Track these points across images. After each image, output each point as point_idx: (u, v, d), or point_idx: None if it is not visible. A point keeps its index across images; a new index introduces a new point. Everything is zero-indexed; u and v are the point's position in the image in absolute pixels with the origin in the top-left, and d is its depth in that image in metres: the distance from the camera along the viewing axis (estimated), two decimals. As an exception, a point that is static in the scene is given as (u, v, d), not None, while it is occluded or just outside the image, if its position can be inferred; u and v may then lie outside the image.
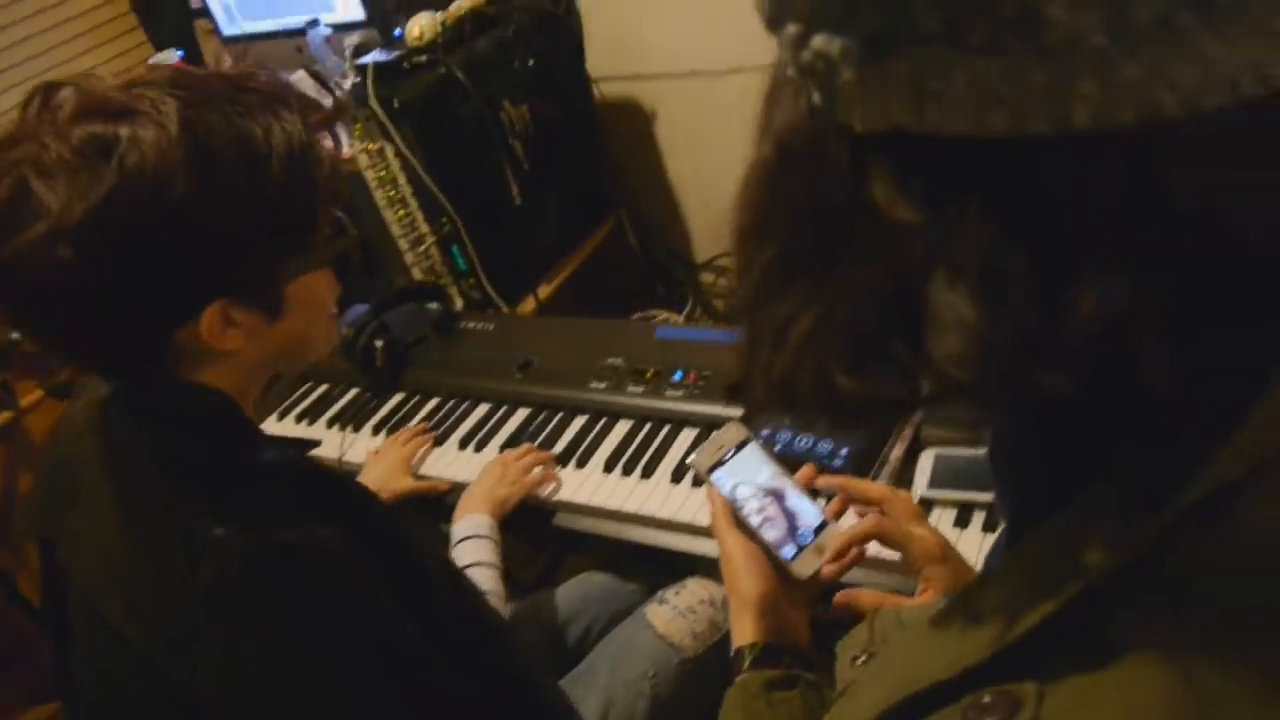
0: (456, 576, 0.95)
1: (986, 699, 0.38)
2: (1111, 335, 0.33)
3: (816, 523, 0.87)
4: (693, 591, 1.24)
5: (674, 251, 2.69)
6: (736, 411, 1.30)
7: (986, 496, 1.10)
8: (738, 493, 0.89)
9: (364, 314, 1.67)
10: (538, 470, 1.34)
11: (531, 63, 2.14)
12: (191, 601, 0.72)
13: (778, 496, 0.89)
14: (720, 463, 0.92)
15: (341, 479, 0.84)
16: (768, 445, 0.95)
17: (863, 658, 0.71)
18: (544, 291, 2.21)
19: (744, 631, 0.81)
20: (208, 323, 0.77)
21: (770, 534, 0.86)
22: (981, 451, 1.17)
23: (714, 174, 2.51)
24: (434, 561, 0.90)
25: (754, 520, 0.87)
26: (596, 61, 2.36)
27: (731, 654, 0.81)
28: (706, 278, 2.67)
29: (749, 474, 0.91)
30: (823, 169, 0.38)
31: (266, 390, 1.69)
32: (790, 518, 0.88)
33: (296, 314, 0.83)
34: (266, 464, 0.81)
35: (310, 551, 0.74)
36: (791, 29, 0.37)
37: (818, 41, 0.35)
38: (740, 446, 0.93)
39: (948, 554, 0.84)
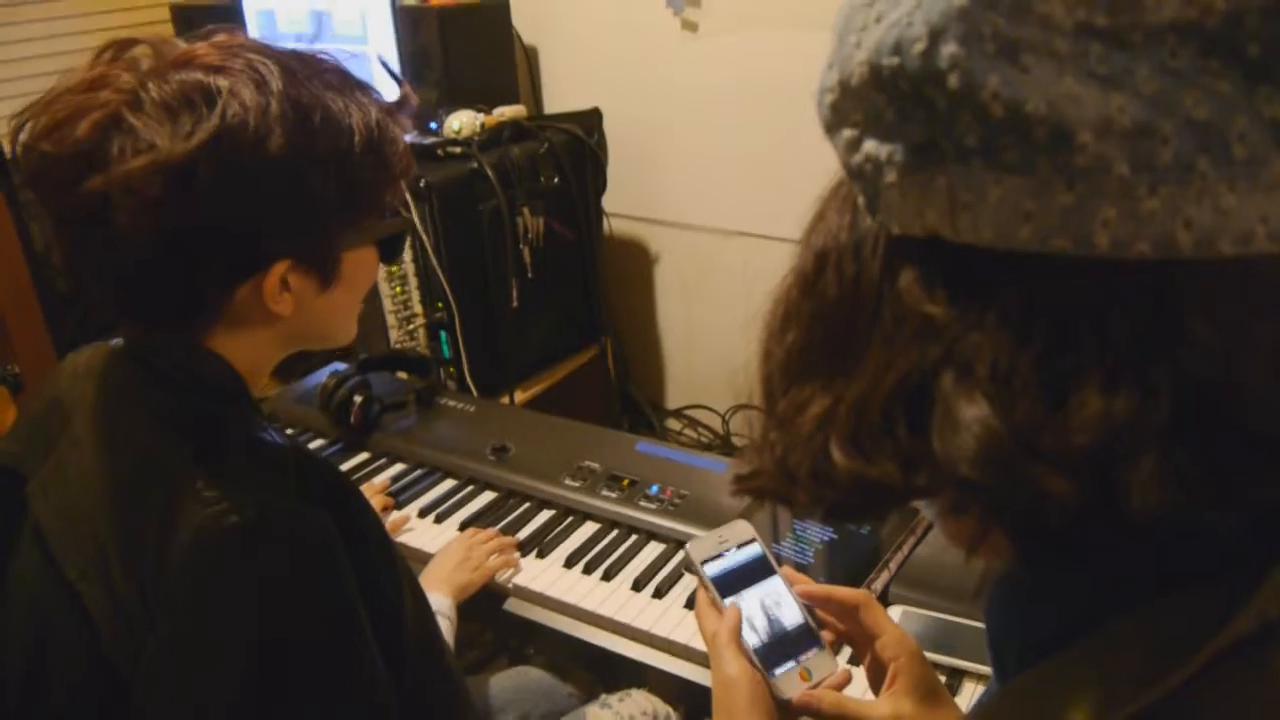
0: (425, 604, 0.91)
1: None
2: (1111, 444, 0.35)
3: (810, 645, 0.83)
4: (636, 702, 1.19)
5: (648, 392, 2.71)
6: (707, 531, 1.30)
7: (951, 661, 1.10)
8: (728, 600, 0.84)
9: (349, 369, 1.65)
10: (500, 557, 1.31)
11: (556, 181, 2.22)
12: (165, 563, 0.69)
13: (773, 605, 0.85)
14: (718, 557, 0.87)
15: (334, 470, 0.81)
16: (771, 551, 0.91)
17: None
18: (519, 397, 2.20)
19: None
20: (271, 283, 0.77)
21: (755, 643, 0.81)
22: (949, 618, 1.18)
23: (703, 326, 2.58)
24: (409, 582, 0.86)
25: (746, 634, 0.81)
26: (614, 197, 2.45)
27: None
28: (674, 424, 2.69)
29: (746, 576, 0.86)
30: (856, 266, 0.42)
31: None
32: (782, 632, 0.83)
33: (343, 289, 0.84)
34: (264, 441, 0.79)
35: (298, 531, 0.71)
36: (847, 133, 0.41)
37: (868, 146, 0.40)
38: (742, 546, 0.89)
39: (918, 653, 0.83)
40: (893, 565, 1.23)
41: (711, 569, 0.86)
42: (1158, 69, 0.33)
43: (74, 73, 0.73)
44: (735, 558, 0.88)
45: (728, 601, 0.83)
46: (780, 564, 0.90)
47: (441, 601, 1.18)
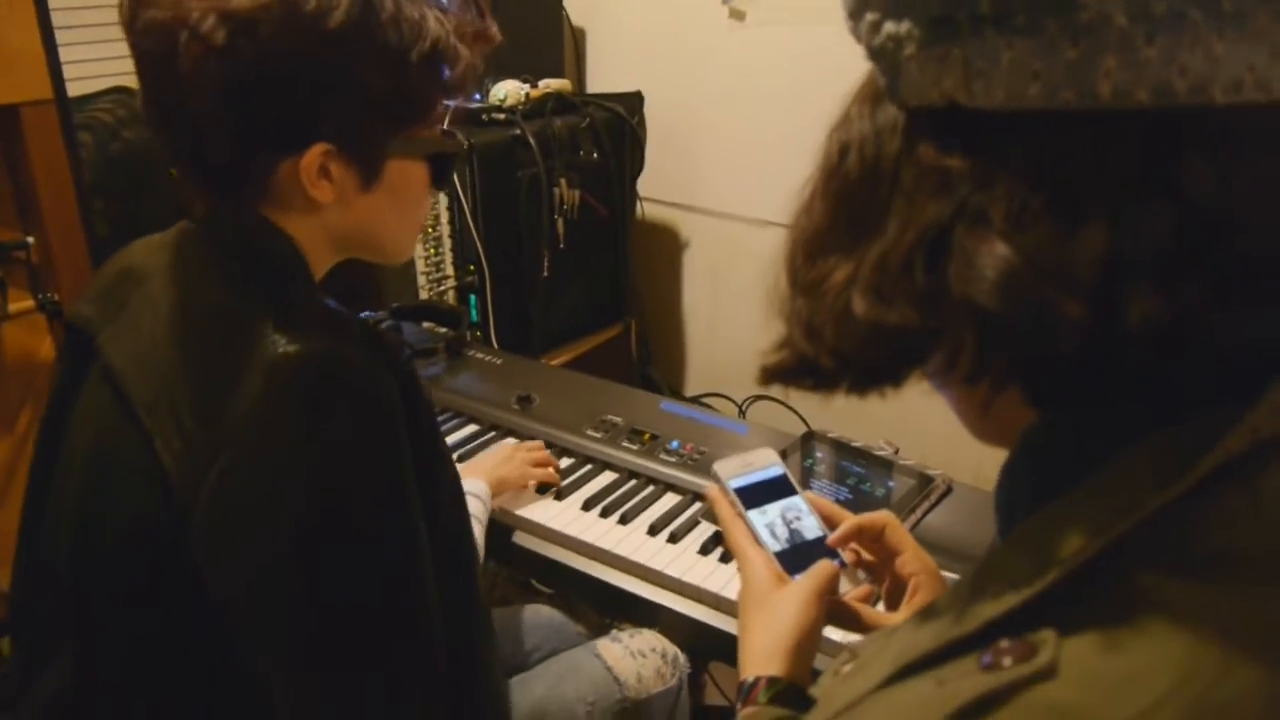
0: (458, 483, 0.93)
1: (1004, 644, 0.40)
2: (1116, 269, 0.38)
3: (830, 559, 0.83)
4: (646, 640, 1.21)
5: (668, 377, 2.74)
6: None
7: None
8: (751, 511, 0.86)
9: (382, 314, 1.68)
10: (544, 470, 1.35)
11: (595, 156, 2.25)
12: (235, 399, 0.72)
13: (793, 519, 0.87)
14: (743, 476, 0.90)
15: (398, 342, 0.84)
16: (797, 478, 0.93)
17: (848, 667, 0.71)
18: (547, 364, 2.23)
19: (769, 658, 0.74)
20: (309, 161, 0.80)
21: (776, 549, 0.82)
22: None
23: (728, 315, 2.60)
24: (446, 458, 0.89)
25: (762, 538, 0.84)
26: (649, 181, 2.48)
27: (742, 676, 0.74)
28: (691, 411, 2.71)
29: (769, 493, 0.88)
30: (877, 147, 0.45)
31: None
32: (802, 542, 0.85)
33: (386, 195, 0.86)
34: (330, 305, 0.83)
35: (364, 374, 0.74)
36: (869, 17, 0.44)
37: (888, 27, 0.43)
38: (766, 469, 0.91)
39: (936, 571, 0.84)
40: (906, 527, 1.24)
41: (736, 483, 0.89)
42: None
43: None
44: (759, 476, 0.91)
45: (750, 513, 0.86)
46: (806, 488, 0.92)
47: (476, 484, 1.22)
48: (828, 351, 0.47)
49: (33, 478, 0.93)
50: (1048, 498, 0.44)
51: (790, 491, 0.90)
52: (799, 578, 0.79)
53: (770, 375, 0.51)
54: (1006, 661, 0.39)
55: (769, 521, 0.86)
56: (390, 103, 0.82)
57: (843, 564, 0.84)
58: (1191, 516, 0.39)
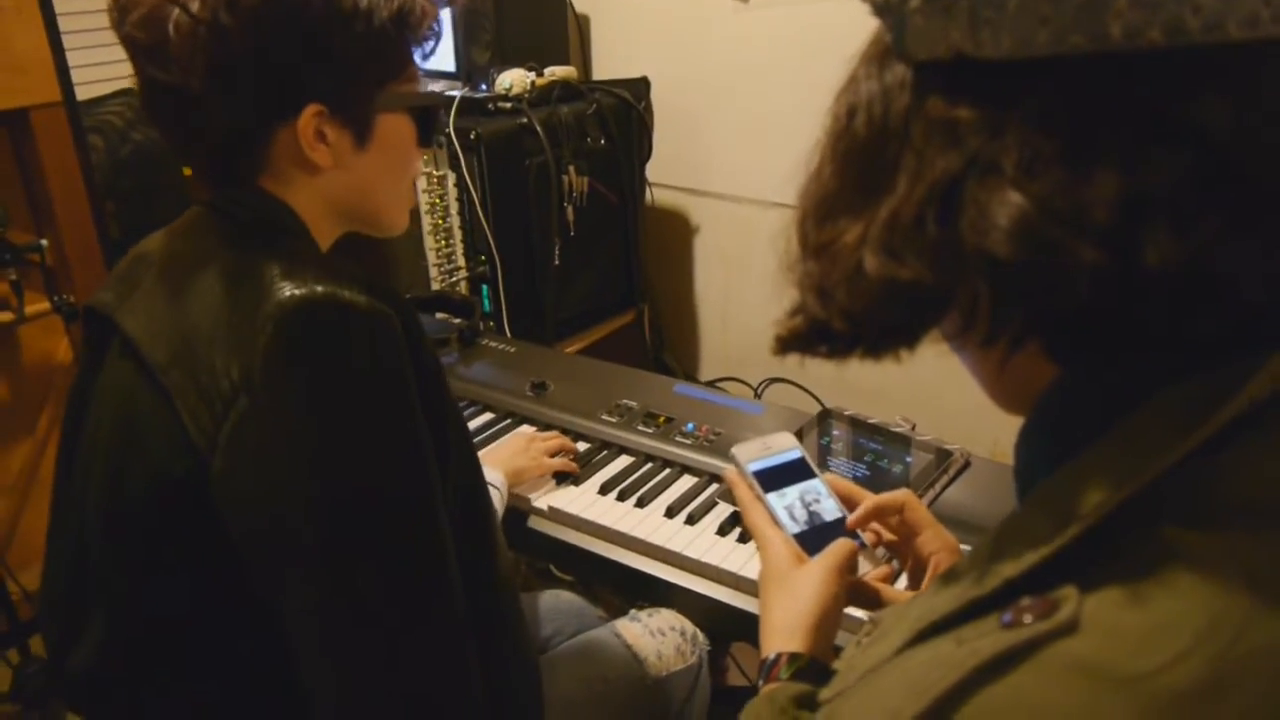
0: (471, 445, 0.95)
1: (1025, 602, 0.39)
2: (1131, 210, 0.38)
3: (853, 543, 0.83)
4: (665, 619, 1.21)
5: (683, 362, 2.73)
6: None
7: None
8: (769, 494, 0.87)
9: (395, 304, 1.68)
10: (561, 459, 1.35)
11: (603, 142, 2.24)
12: (246, 344, 0.75)
13: (812, 501, 0.87)
14: (761, 459, 0.90)
15: (407, 301, 0.86)
16: (815, 459, 0.93)
17: (869, 637, 0.70)
18: (561, 351, 2.23)
19: (790, 635, 0.74)
20: (304, 124, 0.85)
21: (795, 530, 0.83)
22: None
23: (740, 298, 2.59)
24: (453, 404, 0.90)
25: (781, 520, 0.84)
26: (658, 167, 2.48)
27: (764, 652, 0.74)
28: (706, 396, 2.71)
29: (788, 476, 0.89)
30: (885, 105, 0.45)
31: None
32: (821, 524, 0.85)
33: (378, 154, 0.91)
34: (336, 260, 0.86)
35: (371, 315, 0.77)
36: None
37: None
38: (784, 452, 0.92)
39: (957, 549, 0.84)
40: (925, 500, 1.24)
41: (754, 466, 0.89)
42: None
43: None
44: (777, 459, 0.91)
45: (769, 496, 0.86)
46: (824, 471, 0.92)
47: (494, 474, 1.23)
48: (840, 314, 0.46)
49: (60, 464, 0.95)
50: (1068, 458, 0.44)
51: (809, 474, 0.90)
52: (817, 557, 0.79)
53: (785, 344, 0.51)
54: (1027, 619, 0.38)
55: (788, 504, 0.86)
56: (369, 59, 0.87)
57: (862, 544, 0.84)
58: (1215, 466, 0.39)
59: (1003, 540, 0.44)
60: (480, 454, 1.29)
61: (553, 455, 1.35)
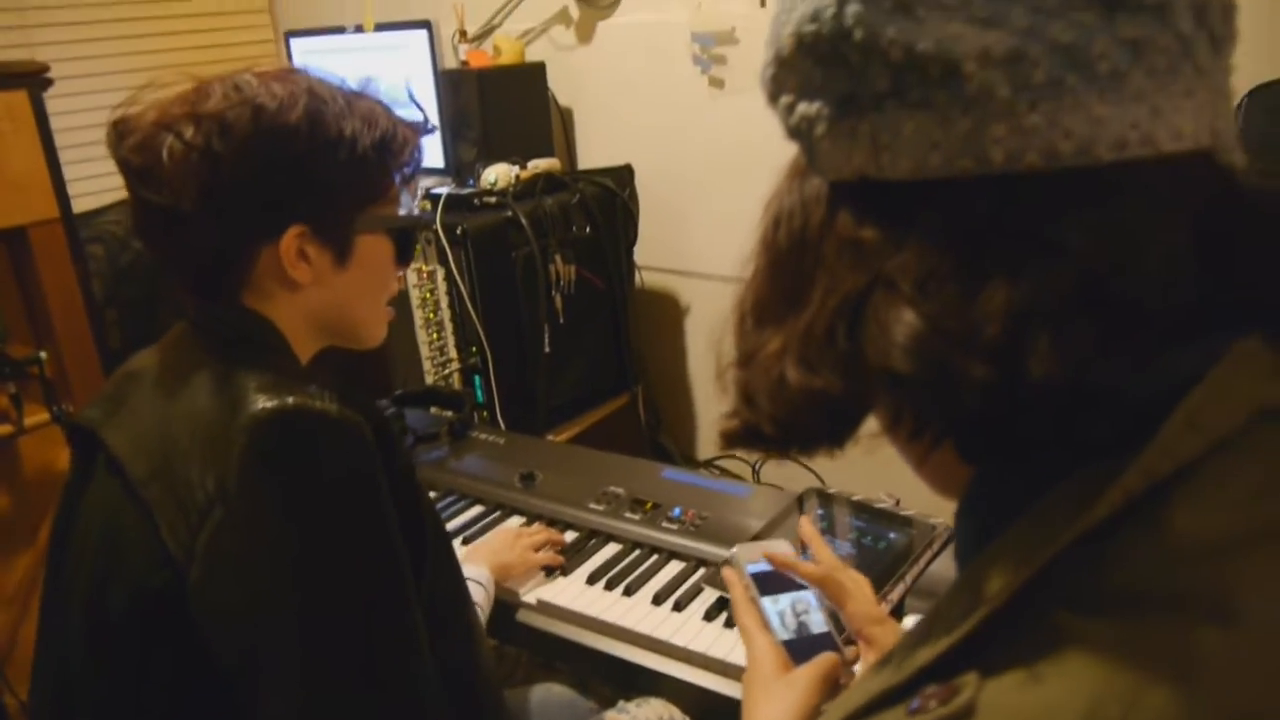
0: (447, 546, 0.96)
1: (930, 689, 0.41)
2: (1017, 327, 0.40)
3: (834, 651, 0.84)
4: (654, 708, 1.20)
5: (680, 442, 2.74)
6: (727, 551, 1.32)
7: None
8: (764, 598, 0.89)
9: (385, 402, 1.71)
10: (546, 553, 1.36)
11: (588, 230, 2.29)
12: (221, 457, 0.77)
13: (802, 612, 0.89)
14: (759, 563, 0.93)
15: (377, 407, 0.88)
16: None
17: None
18: (549, 440, 2.25)
19: None
20: (286, 244, 0.89)
21: (784, 637, 0.84)
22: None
23: (732, 375, 2.61)
24: (431, 512, 0.92)
25: (773, 624, 0.86)
26: (645, 249, 2.52)
27: None
28: (706, 475, 2.71)
29: (782, 584, 0.91)
30: (804, 218, 0.48)
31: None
32: (808, 635, 0.86)
33: (358, 275, 0.94)
34: (312, 373, 0.89)
35: (343, 426, 0.79)
36: (784, 100, 0.48)
37: (802, 107, 0.46)
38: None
39: (886, 621, 0.86)
40: (909, 578, 1.24)
41: (753, 569, 0.92)
42: (1030, 9, 0.39)
43: (186, 78, 0.90)
44: (776, 572, 0.93)
45: (763, 599, 0.89)
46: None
47: (478, 570, 1.24)
48: (767, 419, 0.49)
49: (48, 576, 0.98)
50: (988, 543, 0.45)
51: (803, 585, 0.92)
52: (804, 666, 0.81)
53: (727, 441, 0.53)
54: (932, 705, 0.40)
55: (780, 609, 0.88)
56: (351, 184, 0.91)
57: (842, 657, 0.86)
58: (1101, 554, 0.40)
59: (927, 625, 0.45)
60: (467, 550, 1.31)
61: (539, 549, 1.36)
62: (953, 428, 0.46)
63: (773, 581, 0.91)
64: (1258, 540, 0.40)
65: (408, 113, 0.99)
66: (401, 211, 1.00)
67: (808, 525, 0.99)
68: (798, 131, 0.47)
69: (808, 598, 0.91)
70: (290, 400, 0.79)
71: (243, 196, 0.86)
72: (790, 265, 0.49)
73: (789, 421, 0.48)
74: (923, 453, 0.49)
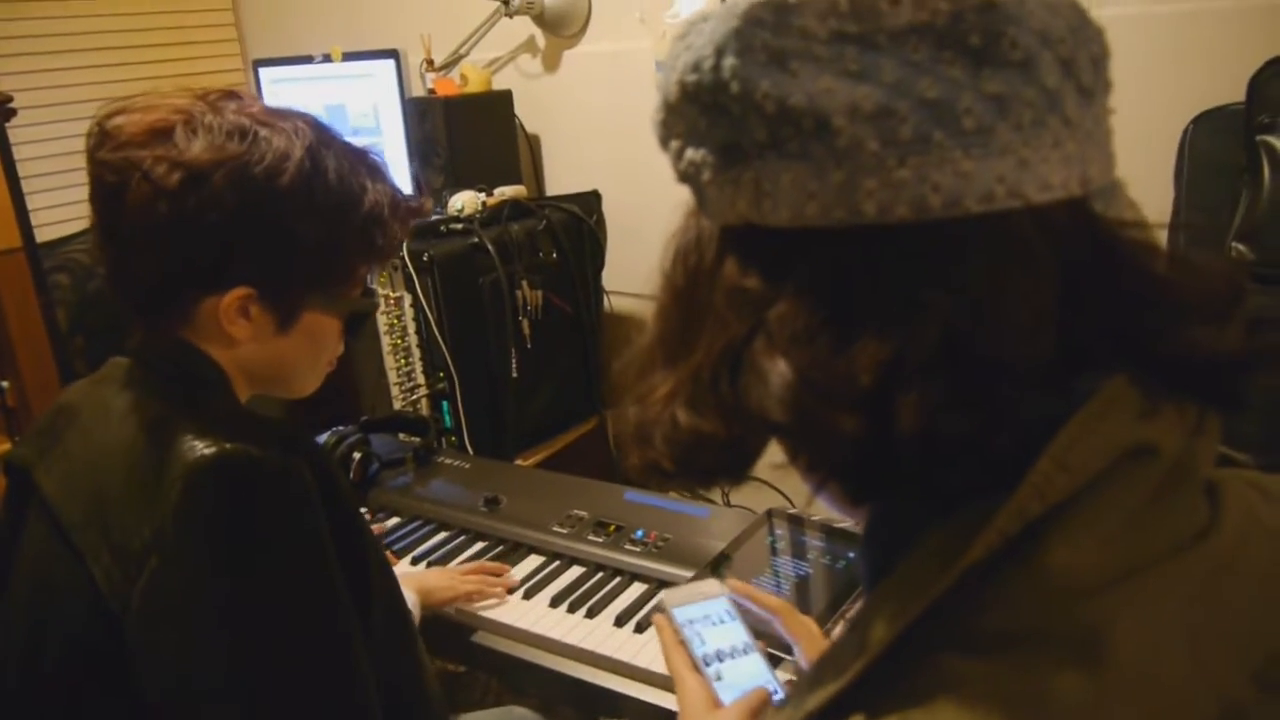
0: (392, 581, 0.96)
1: None
2: (884, 381, 0.41)
3: (767, 684, 0.87)
4: (616, 732, 1.21)
5: (648, 466, 2.75)
6: (688, 572, 1.34)
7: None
8: (694, 638, 0.91)
9: (350, 428, 1.71)
10: (477, 578, 1.36)
11: (555, 256, 2.30)
12: (156, 505, 0.76)
13: (735, 655, 0.91)
14: (689, 607, 0.95)
15: (316, 444, 0.88)
16: (736, 603, 0.98)
17: None
18: (514, 464, 2.25)
19: None
20: (228, 301, 0.86)
21: (713, 674, 0.86)
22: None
23: (700, 399, 2.62)
24: (374, 548, 0.91)
25: (701, 665, 0.87)
26: (613, 274, 2.54)
27: None
28: (674, 497, 2.71)
29: (711, 624, 0.93)
30: (697, 256, 0.50)
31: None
32: (738, 676, 0.88)
33: (299, 341, 0.92)
34: (250, 411, 0.88)
35: (279, 472, 0.78)
36: (674, 144, 0.49)
37: (689, 153, 0.48)
38: (712, 598, 0.97)
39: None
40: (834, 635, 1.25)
41: (680, 612, 0.94)
42: (901, 63, 0.40)
43: (183, 91, 0.86)
44: (703, 605, 0.96)
45: (692, 640, 0.90)
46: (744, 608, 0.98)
47: (406, 595, 1.22)
48: (664, 456, 0.50)
49: None
50: (877, 583, 0.47)
51: (732, 619, 0.95)
52: (732, 703, 0.83)
53: (634, 476, 0.54)
54: None
55: (707, 651, 0.90)
56: (318, 261, 0.88)
57: (776, 691, 0.87)
58: (977, 596, 0.42)
59: (820, 668, 0.47)
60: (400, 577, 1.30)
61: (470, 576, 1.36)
62: (832, 472, 0.48)
63: (702, 621, 0.93)
64: (1125, 577, 0.41)
65: (404, 195, 0.95)
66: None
67: (739, 584, 1.01)
68: (686, 176, 0.48)
69: (739, 631, 0.93)
70: (228, 447, 0.78)
71: (196, 247, 0.83)
72: (684, 302, 0.50)
73: (684, 459, 0.49)
74: (816, 486, 0.50)
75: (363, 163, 0.91)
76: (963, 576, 0.41)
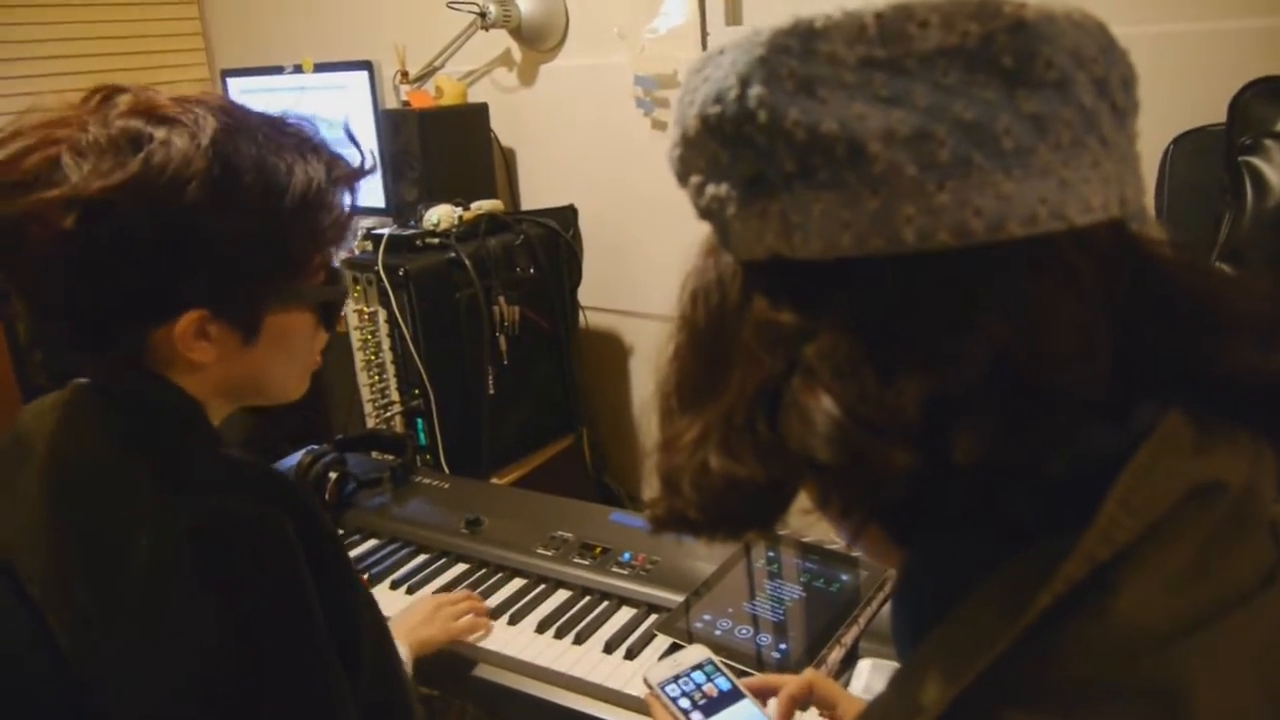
0: (383, 630, 0.91)
1: None
2: (935, 412, 0.40)
3: None
4: (607, 762, 1.18)
5: (625, 483, 2.72)
6: (679, 596, 1.31)
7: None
8: (690, 710, 0.91)
9: (325, 446, 1.67)
10: (468, 619, 1.31)
11: (532, 271, 2.28)
12: (123, 568, 0.71)
13: (727, 704, 0.91)
14: (676, 679, 0.95)
15: (291, 484, 0.82)
16: (722, 665, 0.98)
17: None
18: (495, 483, 2.21)
19: None
20: (182, 329, 0.77)
21: None
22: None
23: (677, 415, 2.60)
24: (366, 602, 0.87)
25: None
26: (589, 290, 2.51)
27: None
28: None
29: (702, 689, 0.94)
30: (720, 295, 0.48)
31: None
32: None
33: (269, 347, 0.84)
34: (223, 456, 0.80)
35: (256, 534, 0.73)
36: (694, 180, 0.47)
37: (711, 188, 0.46)
38: (699, 668, 0.96)
39: None
40: (862, 620, 1.24)
41: (669, 688, 0.94)
42: (932, 87, 0.39)
43: (55, 109, 0.76)
44: (689, 676, 0.96)
45: (693, 714, 0.91)
46: (738, 676, 0.97)
47: (400, 649, 1.17)
48: (692, 505, 0.48)
49: None
50: (921, 634, 0.45)
51: (718, 674, 0.95)
52: None
53: (655, 526, 0.52)
54: None
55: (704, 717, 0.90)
56: (262, 262, 0.80)
57: None
58: (1047, 646, 0.40)
59: None
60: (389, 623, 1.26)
61: (460, 617, 1.31)
62: (878, 511, 0.46)
63: (693, 690, 0.94)
64: (1199, 625, 0.40)
65: (345, 152, 0.86)
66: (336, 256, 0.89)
67: (755, 681, 0.98)
68: (709, 212, 0.47)
69: (726, 687, 0.93)
70: (198, 508, 0.72)
71: (122, 282, 0.74)
72: (708, 343, 0.48)
73: (714, 508, 0.47)
74: (854, 531, 0.48)
75: (285, 138, 0.80)
76: (1026, 630, 0.39)
